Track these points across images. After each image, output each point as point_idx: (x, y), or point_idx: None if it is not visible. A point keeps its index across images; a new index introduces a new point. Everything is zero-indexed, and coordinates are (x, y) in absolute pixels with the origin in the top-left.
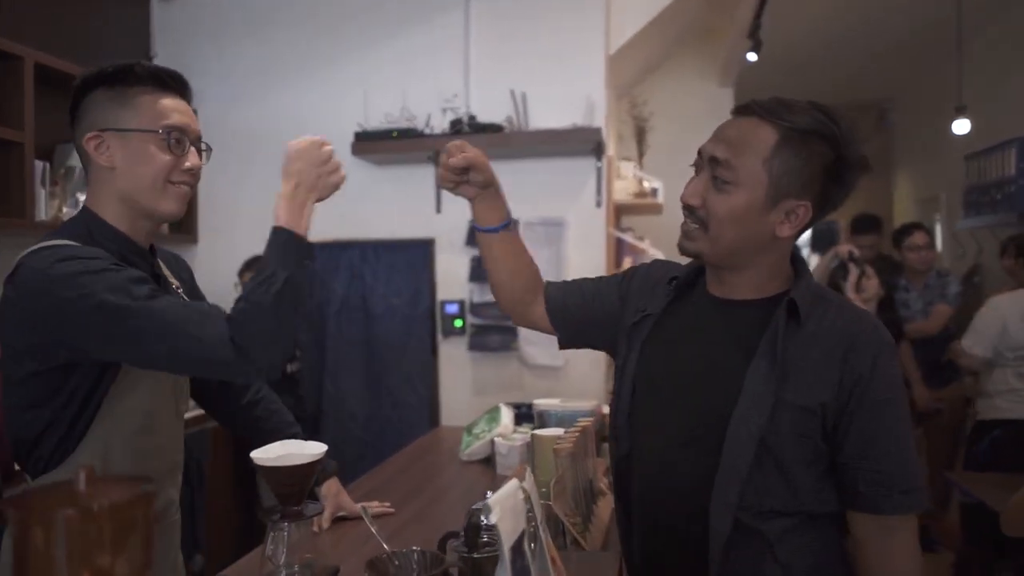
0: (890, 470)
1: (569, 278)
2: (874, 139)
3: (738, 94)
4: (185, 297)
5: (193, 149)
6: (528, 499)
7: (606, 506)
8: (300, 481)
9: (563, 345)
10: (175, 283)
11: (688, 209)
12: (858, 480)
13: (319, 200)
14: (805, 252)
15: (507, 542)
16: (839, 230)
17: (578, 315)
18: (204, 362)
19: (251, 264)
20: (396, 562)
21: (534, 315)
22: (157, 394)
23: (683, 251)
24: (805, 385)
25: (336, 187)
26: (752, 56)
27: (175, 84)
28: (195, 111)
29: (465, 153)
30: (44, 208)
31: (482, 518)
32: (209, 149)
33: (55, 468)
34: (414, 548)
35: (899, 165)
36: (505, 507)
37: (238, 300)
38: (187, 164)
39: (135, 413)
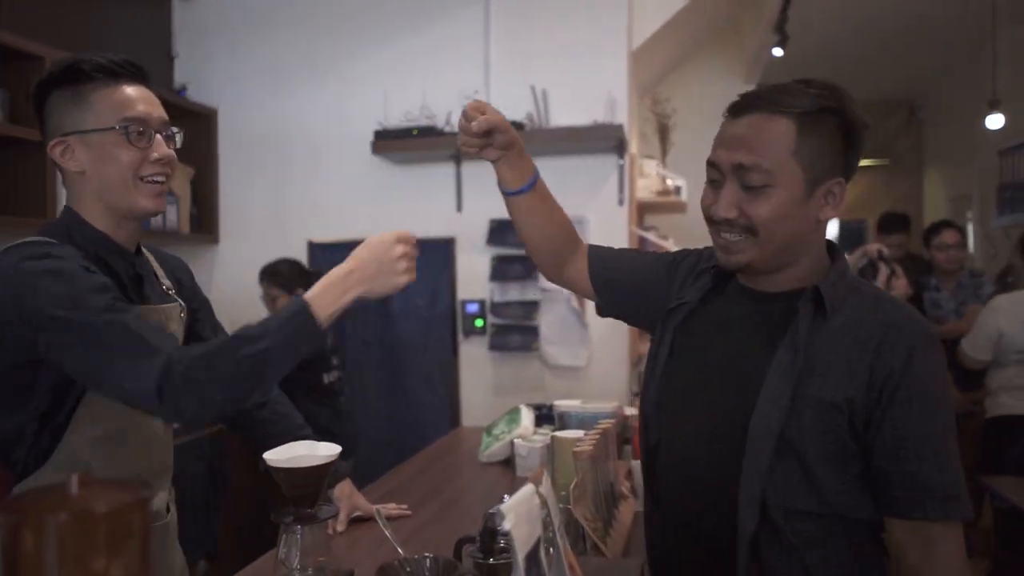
0: (926, 472)
1: None
2: (905, 136)
3: None
4: (179, 300)
5: (160, 138)
6: (545, 504)
7: (627, 510)
8: (314, 482)
9: (602, 312)
10: (167, 283)
11: (725, 223)
12: (891, 483)
13: (369, 296)
14: None
15: (521, 551)
16: (867, 229)
17: (623, 284)
18: (126, 396)
19: (268, 270)
20: (408, 569)
21: (570, 273)
22: None
23: (728, 267)
24: (831, 379)
25: (394, 289)
26: (778, 51)
27: (128, 71)
28: (215, 109)
29: (485, 115)
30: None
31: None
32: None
33: (35, 471)
34: (427, 555)
35: (930, 163)
36: (519, 513)
37: (208, 345)
38: (154, 155)
39: (113, 415)
